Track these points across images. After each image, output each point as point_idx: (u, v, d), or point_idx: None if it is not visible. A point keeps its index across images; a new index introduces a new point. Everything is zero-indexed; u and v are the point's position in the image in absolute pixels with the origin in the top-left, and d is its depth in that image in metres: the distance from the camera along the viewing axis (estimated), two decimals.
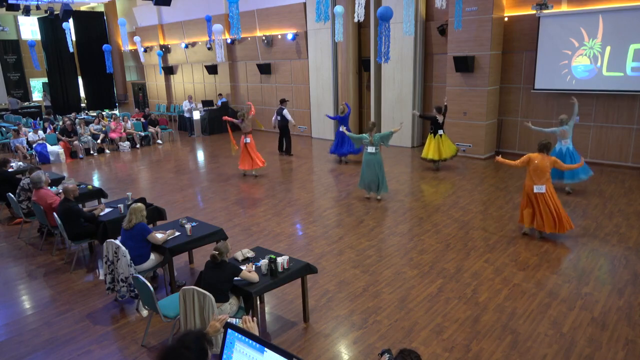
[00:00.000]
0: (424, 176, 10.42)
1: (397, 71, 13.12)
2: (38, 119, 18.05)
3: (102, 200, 8.12)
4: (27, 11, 16.15)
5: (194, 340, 2.19)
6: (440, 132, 10.50)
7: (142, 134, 15.53)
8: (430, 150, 10.60)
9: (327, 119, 14.61)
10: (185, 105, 17.41)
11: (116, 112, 20.35)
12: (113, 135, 14.90)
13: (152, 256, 5.44)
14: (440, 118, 10.46)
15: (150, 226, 6.23)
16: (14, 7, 16.01)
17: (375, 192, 8.71)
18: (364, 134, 8.52)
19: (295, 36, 15.23)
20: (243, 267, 4.50)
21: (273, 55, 16.33)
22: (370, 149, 8.46)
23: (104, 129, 15.01)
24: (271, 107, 17.15)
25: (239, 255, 4.92)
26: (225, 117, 11.29)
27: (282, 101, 13.04)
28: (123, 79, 23.63)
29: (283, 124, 12.94)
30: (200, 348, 2.19)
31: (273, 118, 13.10)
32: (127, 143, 15.00)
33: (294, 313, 5.07)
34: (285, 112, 12.80)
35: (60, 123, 15.78)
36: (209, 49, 17.65)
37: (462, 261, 6.17)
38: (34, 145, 13.56)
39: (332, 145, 12.10)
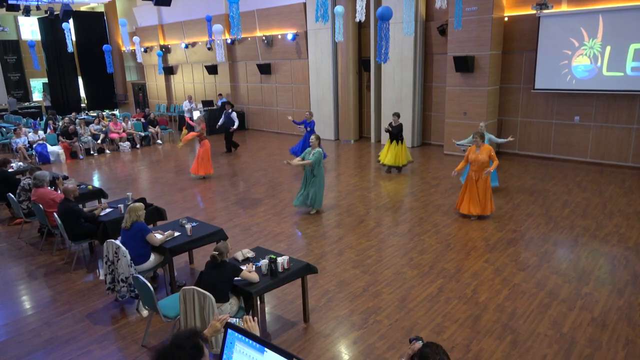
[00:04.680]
0: (423, 176, 10.42)
1: (397, 71, 13.12)
2: (38, 119, 18.04)
3: (103, 200, 8.12)
4: (27, 11, 16.13)
5: (186, 339, 2.18)
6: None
7: (142, 134, 15.53)
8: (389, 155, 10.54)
9: (325, 118, 14.63)
10: (186, 106, 17.41)
11: (116, 112, 20.34)
12: (113, 135, 14.90)
13: (152, 256, 5.44)
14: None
15: (151, 226, 6.23)
16: (14, 8, 16.00)
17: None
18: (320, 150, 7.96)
19: (295, 36, 15.23)
20: (243, 267, 4.50)
21: (273, 55, 16.33)
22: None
23: (104, 129, 15.01)
24: (271, 107, 17.17)
25: (239, 255, 4.93)
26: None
27: (229, 104, 13.75)
28: (123, 79, 23.63)
29: (228, 125, 13.42)
30: (194, 346, 2.17)
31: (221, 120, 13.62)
32: (127, 143, 15.00)
33: (294, 313, 5.07)
34: (233, 115, 13.33)
35: (60, 123, 15.77)
36: (209, 49, 17.65)
37: (462, 261, 6.17)
38: (34, 146, 13.57)
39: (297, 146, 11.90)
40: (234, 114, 13.41)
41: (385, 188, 9.82)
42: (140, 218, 5.37)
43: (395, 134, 10.42)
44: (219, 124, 13.76)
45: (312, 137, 7.94)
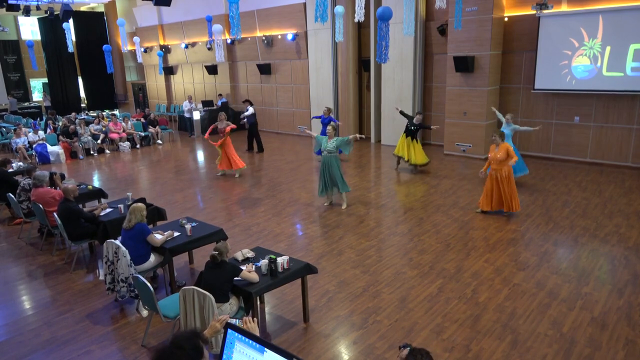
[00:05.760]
0: (423, 176, 10.42)
1: (397, 71, 13.11)
2: (38, 119, 18.03)
3: (103, 200, 8.12)
4: (27, 11, 16.13)
5: (186, 340, 2.18)
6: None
7: (142, 134, 15.53)
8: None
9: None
10: (186, 106, 17.40)
11: (116, 112, 20.35)
12: (113, 135, 14.90)
13: (152, 256, 5.44)
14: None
15: (150, 226, 6.22)
16: (14, 8, 16.00)
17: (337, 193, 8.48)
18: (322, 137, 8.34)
19: (295, 36, 15.23)
20: (243, 267, 4.50)
21: (273, 55, 16.33)
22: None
23: (104, 129, 15.01)
24: (271, 107, 17.17)
25: (239, 255, 4.93)
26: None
27: (248, 101, 13.91)
28: (123, 79, 23.63)
29: (251, 122, 13.54)
30: (194, 347, 2.18)
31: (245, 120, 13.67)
32: (127, 143, 15.00)
33: (294, 313, 5.07)
34: (250, 109, 13.50)
35: (60, 123, 15.77)
36: (209, 49, 17.65)
37: (462, 261, 6.17)
38: (34, 146, 13.57)
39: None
40: (250, 109, 13.53)
41: (385, 188, 9.82)
42: (144, 219, 5.38)
43: (415, 132, 10.47)
44: (244, 121, 13.71)
45: (329, 127, 8.24)
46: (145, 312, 5.13)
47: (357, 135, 8.55)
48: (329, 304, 5.23)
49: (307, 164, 12.07)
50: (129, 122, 15.55)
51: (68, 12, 14.92)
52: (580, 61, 10.39)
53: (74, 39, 19.88)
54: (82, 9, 23.31)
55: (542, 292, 5.32)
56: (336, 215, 8.10)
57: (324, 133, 11.39)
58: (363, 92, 14.81)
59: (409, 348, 2.67)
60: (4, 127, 16.70)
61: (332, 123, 8.75)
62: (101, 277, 6.01)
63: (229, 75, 18.18)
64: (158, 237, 5.45)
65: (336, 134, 8.26)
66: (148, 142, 15.63)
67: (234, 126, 10.96)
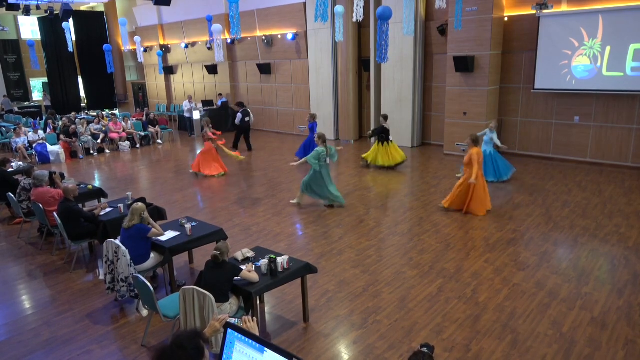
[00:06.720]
0: (423, 176, 10.42)
1: (397, 71, 13.11)
2: (38, 118, 18.02)
3: (102, 199, 8.12)
4: (27, 11, 16.13)
5: (188, 339, 2.19)
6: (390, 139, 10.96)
7: (142, 133, 15.53)
8: (379, 157, 10.93)
9: (325, 118, 14.64)
10: (185, 105, 17.40)
11: (116, 112, 20.34)
12: (113, 135, 14.90)
13: (152, 256, 5.44)
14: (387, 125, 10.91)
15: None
16: (14, 7, 15.99)
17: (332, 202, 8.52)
18: (319, 148, 8.20)
19: (295, 36, 15.22)
20: (243, 267, 4.50)
21: (273, 55, 16.33)
22: (328, 161, 8.45)
23: (104, 128, 15.01)
24: (271, 107, 17.17)
25: (239, 255, 4.93)
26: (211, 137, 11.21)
27: (241, 104, 14.11)
28: (123, 79, 23.63)
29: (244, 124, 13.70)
30: (195, 347, 2.18)
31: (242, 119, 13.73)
32: (127, 143, 14.99)
33: (294, 313, 5.07)
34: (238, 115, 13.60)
35: (60, 123, 15.77)
36: (209, 49, 17.65)
37: (462, 261, 6.17)
38: (34, 145, 13.56)
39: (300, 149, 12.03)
40: (239, 114, 13.57)
41: (385, 188, 9.82)
42: (144, 220, 5.38)
43: (373, 135, 10.93)
44: (236, 122, 13.78)
45: (315, 136, 8.40)
46: (145, 312, 5.13)
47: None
48: (328, 304, 5.23)
49: (306, 164, 12.03)
50: (129, 121, 15.55)
51: (68, 12, 14.91)
52: (580, 61, 10.39)
53: (74, 38, 19.87)
54: (82, 8, 23.31)
55: (542, 292, 5.32)
56: (336, 215, 8.10)
57: (311, 138, 11.33)
58: (363, 92, 14.81)
59: (425, 348, 2.73)
60: (4, 126, 16.69)
61: (317, 133, 8.68)
62: (101, 277, 6.00)
63: (229, 75, 18.18)
64: (154, 231, 5.46)
65: (322, 142, 8.21)
66: (148, 142, 15.63)
67: (214, 133, 11.02)
